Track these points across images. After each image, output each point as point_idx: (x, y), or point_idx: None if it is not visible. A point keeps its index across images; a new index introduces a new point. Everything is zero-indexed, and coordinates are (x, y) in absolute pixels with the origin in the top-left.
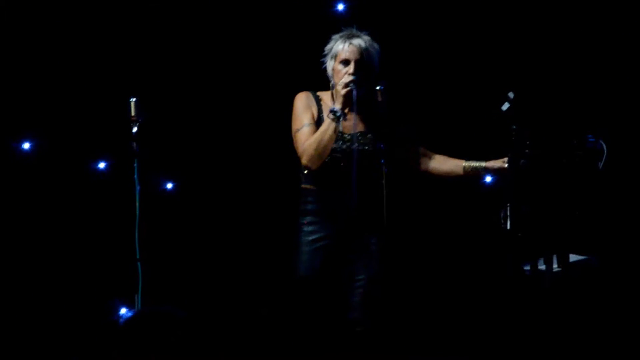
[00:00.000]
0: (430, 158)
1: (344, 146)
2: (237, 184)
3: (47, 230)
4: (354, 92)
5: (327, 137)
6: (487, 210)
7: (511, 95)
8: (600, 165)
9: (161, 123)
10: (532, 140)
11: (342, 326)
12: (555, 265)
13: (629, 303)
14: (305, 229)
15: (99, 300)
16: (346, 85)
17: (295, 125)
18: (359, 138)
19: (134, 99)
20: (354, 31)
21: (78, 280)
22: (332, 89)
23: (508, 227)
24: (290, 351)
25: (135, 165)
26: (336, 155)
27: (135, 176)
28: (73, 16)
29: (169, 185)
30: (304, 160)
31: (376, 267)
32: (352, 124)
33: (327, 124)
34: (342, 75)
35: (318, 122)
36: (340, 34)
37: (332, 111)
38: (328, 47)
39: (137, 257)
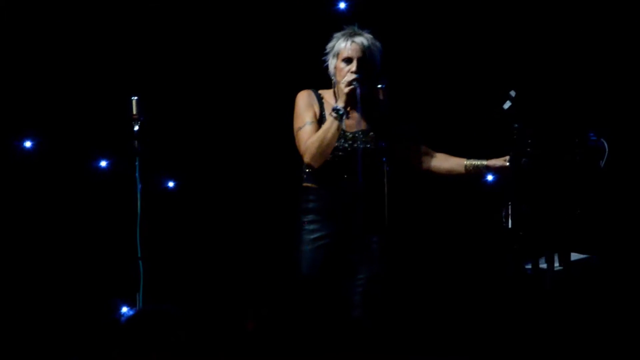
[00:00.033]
0: (431, 156)
1: (346, 144)
2: (239, 183)
3: (48, 230)
4: (358, 90)
5: (329, 135)
6: (489, 209)
7: (513, 93)
8: (602, 163)
9: (163, 122)
10: (534, 139)
11: (343, 325)
12: (556, 264)
13: (630, 302)
14: (307, 227)
15: (100, 299)
16: (349, 83)
17: (297, 123)
18: (361, 136)
19: (136, 98)
20: (356, 29)
21: (79, 279)
22: (334, 87)
23: (509, 225)
24: (291, 350)
25: (136, 163)
26: (338, 153)
27: (137, 175)
28: (74, 15)
29: (171, 184)
30: (306, 159)
31: (377, 266)
32: (354, 122)
33: (330, 122)
34: (344, 74)
35: (320, 121)
36: (342, 32)
37: (335, 109)
38: (330, 45)
39: (139, 255)
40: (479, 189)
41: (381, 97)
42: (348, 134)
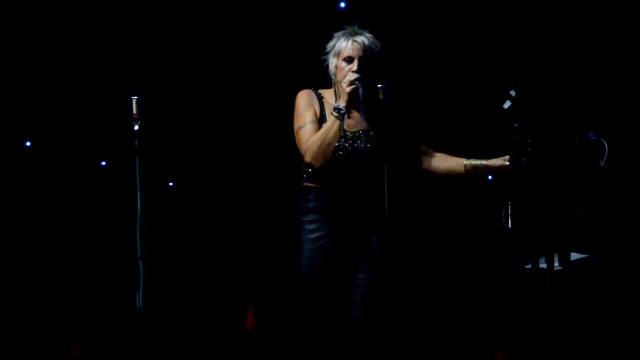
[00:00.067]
0: (431, 156)
1: (347, 144)
2: (239, 182)
3: (49, 229)
4: (360, 90)
5: (331, 134)
6: (489, 208)
7: (513, 93)
8: (602, 163)
9: (163, 121)
10: (534, 139)
11: (343, 325)
12: (556, 264)
13: (630, 302)
14: (307, 227)
15: (100, 299)
16: (351, 82)
17: (297, 123)
18: (362, 136)
19: (136, 98)
20: (356, 29)
21: (79, 279)
22: (334, 86)
23: (509, 225)
24: (291, 350)
25: (136, 163)
26: (338, 153)
27: (137, 174)
28: (74, 15)
29: (170, 184)
30: (307, 158)
31: (378, 266)
32: (354, 121)
33: (332, 122)
34: (345, 73)
35: (320, 120)
36: (343, 32)
37: (337, 109)
38: (330, 44)
39: (139, 255)
40: (479, 189)
41: (381, 96)
42: (348, 133)
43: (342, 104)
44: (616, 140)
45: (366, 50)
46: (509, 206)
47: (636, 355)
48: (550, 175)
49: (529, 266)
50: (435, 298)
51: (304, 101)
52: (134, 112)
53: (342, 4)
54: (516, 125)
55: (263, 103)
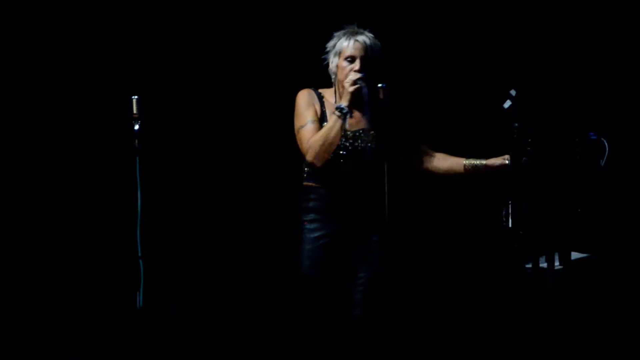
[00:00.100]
0: (431, 156)
1: (347, 143)
2: (239, 182)
3: (49, 229)
4: (364, 90)
5: (333, 134)
6: (489, 208)
7: (513, 92)
8: (602, 162)
9: (163, 121)
10: (534, 138)
11: (343, 324)
12: (557, 264)
13: (630, 301)
14: (308, 226)
15: (101, 299)
16: (354, 82)
17: (298, 122)
18: (362, 135)
19: (136, 97)
20: (357, 28)
21: (79, 279)
22: (334, 85)
23: (510, 225)
24: (292, 350)
25: (137, 163)
26: (339, 152)
27: (137, 174)
28: (75, 15)
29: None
30: (309, 157)
31: (378, 265)
32: (355, 121)
33: (334, 121)
34: (347, 72)
35: (321, 119)
36: (343, 31)
37: (339, 108)
38: (331, 44)
39: (139, 254)
40: (479, 188)
41: (382, 96)
42: (349, 133)
43: (344, 103)
44: (616, 139)
45: (368, 50)
46: (510, 205)
47: (636, 355)
48: (550, 175)
49: (530, 265)
50: (435, 298)
51: (305, 100)
52: (135, 111)
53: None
54: (516, 124)
55: (263, 102)
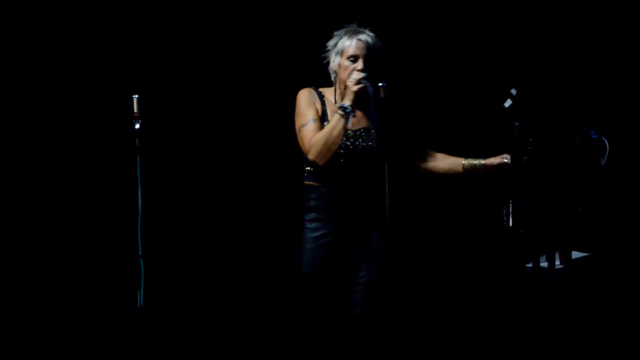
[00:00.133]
0: (430, 156)
1: (348, 142)
2: (239, 181)
3: (49, 228)
4: (369, 89)
5: (335, 133)
6: (490, 207)
7: (514, 92)
8: (603, 162)
9: (164, 120)
10: (535, 137)
11: (344, 324)
12: (557, 263)
13: (631, 300)
14: (308, 225)
15: (101, 298)
16: (358, 81)
17: (300, 121)
18: (363, 134)
19: (137, 96)
20: (358, 27)
21: (80, 278)
22: (335, 84)
23: (510, 224)
24: (292, 350)
25: (137, 162)
26: (339, 151)
27: (138, 173)
28: (75, 14)
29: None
30: (311, 156)
31: (379, 265)
32: (355, 120)
33: (337, 120)
34: (350, 72)
35: (322, 118)
36: (345, 30)
37: (342, 107)
38: (332, 42)
39: (140, 254)
40: (479, 188)
41: (382, 95)
42: (350, 132)
43: (347, 102)
44: (617, 138)
45: (370, 49)
46: (510, 204)
47: (636, 355)
48: (551, 174)
49: (530, 265)
50: (435, 297)
51: (305, 99)
52: (135, 110)
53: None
54: (517, 123)
55: (264, 102)
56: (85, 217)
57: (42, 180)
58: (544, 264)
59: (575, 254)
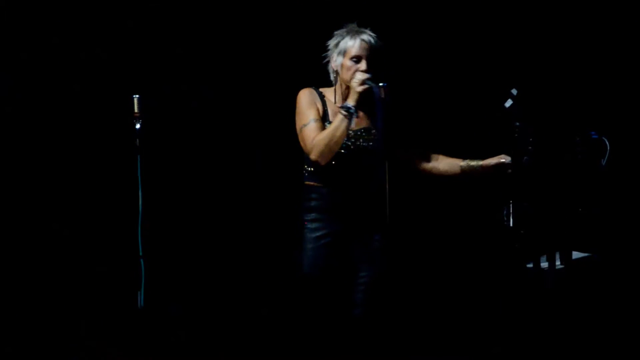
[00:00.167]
0: (429, 156)
1: (349, 142)
2: (240, 181)
3: (50, 228)
4: (376, 90)
5: (339, 133)
6: (490, 207)
7: (514, 92)
8: (603, 162)
9: (164, 120)
10: (535, 137)
11: (344, 324)
12: (558, 263)
13: (631, 301)
14: (309, 225)
15: (101, 298)
16: (362, 82)
17: (301, 120)
18: (363, 134)
19: (137, 96)
20: (359, 27)
21: (80, 278)
22: (335, 84)
23: (511, 224)
24: (292, 350)
25: (138, 162)
26: (340, 151)
27: (138, 173)
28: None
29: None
30: (313, 156)
31: (379, 265)
32: (357, 120)
33: (340, 120)
34: (353, 72)
35: (323, 118)
36: (346, 30)
37: (346, 107)
38: (333, 42)
39: (140, 254)
40: (480, 188)
41: (383, 95)
42: (350, 132)
43: (351, 102)
44: (618, 138)
45: (373, 50)
46: (511, 205)
47: (636, 355)
48: (551, 174)
49: (531, 265)
50: (435, 297)
51: (306, 99)
52: (136, 110)
53: None
54: (517, 123)
55: (264, 102)
56: (85, 216)
57: (42, 180)
58: (544, 264)
59: (576, 254)
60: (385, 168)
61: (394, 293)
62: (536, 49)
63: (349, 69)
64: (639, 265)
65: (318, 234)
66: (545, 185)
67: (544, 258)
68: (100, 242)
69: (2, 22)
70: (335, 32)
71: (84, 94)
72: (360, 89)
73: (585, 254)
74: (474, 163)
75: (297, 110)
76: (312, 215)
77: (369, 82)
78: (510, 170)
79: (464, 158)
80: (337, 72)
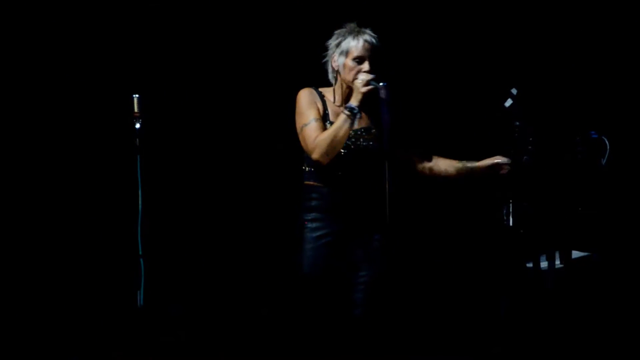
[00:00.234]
0: (427, 157)
1: (349, 142)
2: (240, 181)
3: (49, 228)
4: (383, 91)
5: (342, 133)
6: (490, 206)
7: (514, 91)
8: (603, 161)
9: (164, 119)
10: (535, 137)
11: (345, 324)
12: (557, 262)
13: (631, 300)
14: (309, 225)
15: (101, 298)
16: (367, 83)
17: (301, 120)
18: (363, 134)
19: (137, 96)
20: (359, 27)
21: (80, 277)
22: (334, 83)
23: (510, 223)
24: (292, 350)
25: (137, 161)
26: (341, 151)
27: (138, 172)
28: (76, 13)
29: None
30: (315, 155)
31: (379, 265)
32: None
33: (343, 120)
34: (355, 72)
35: (323, 118)
36: (347, 30)
37: (350, 108)
38: (334, 42)
39: (140, 253)
40: (480, 187)
41: (383, 95)
42: (350, 132)
43: (354, 103)
44: (617, 138)
45: (375, 50)
46: (510, 204)
47: (636, 355)
48: (551, 174)
49: (530, 264)
50: (435, 297)
51: (306, 99)
52: (136, 110)
53: None
54: (517, 123)
55: (264, 101)
56: (85, 216)
57: (42, 179)
58: (544, 264)
59: (575, 254)
60: (385, 168)
61: (394, 293)
62: (536, 49)
63: (351, 69)
64: (639, 264)
65: (318, 233)
66: (545, 185)
67: (543, 257)
68: (99, 241)
69: (2, 21)
70: (336, 32)
71: (84, 93)
72: (365, 89)
73: (585, 254)
74: (469, 164)
75: (297, 110)
76: (312, 215)
77: (374, 83)
78: (503, 172)
79: (461, 159)
80: (337, 72)
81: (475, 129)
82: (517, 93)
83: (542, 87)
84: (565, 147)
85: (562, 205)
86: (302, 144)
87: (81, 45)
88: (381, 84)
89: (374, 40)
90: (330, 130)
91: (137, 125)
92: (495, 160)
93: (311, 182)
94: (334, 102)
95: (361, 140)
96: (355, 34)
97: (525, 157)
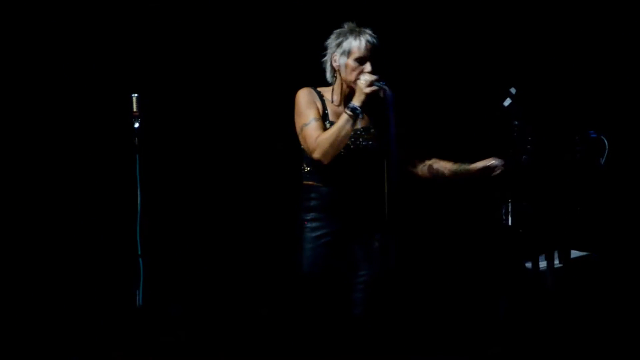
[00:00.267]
0: (423, 158)
1: (349, 141)
2: (239, 181)
3: (48, 228)
4: (388, 92)
5: (344, 133)
6: (489, 206)
7: (513, 91)
8: (602, 161)
9: (163, 119)
10: (534, 136)
11: (344, 323)
12: (556, 262)
13: (630, 299)
14: (309, 225)
15: (100, 297)
16: (371, 83)
17: (301, 120)
18: (363, 134)
19: (136, 95)
20: (359, 27)
21: (79, 277)
22: (334, 83)
23: (509, 223)
24: (292, 350)
25: (136, 161)
26: (340, 151)
27: (137, 172)
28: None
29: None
30: (316, 155)
31: (379, 264)
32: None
33: (345, 120)
34: (357, 73)
35: (323, 118)
36: (348, 30)
37: (352, 108)
38: (334, 42)
39: (139, 253)
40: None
41: (382, 95)
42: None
43: (357, 103)
44: (616, 137)
45: (376, 51)
46: (509, 204)
47: (636, 354)
48: (550, 173)
49: (529, 264)
50: (435, 297)
51: (306, 99)
52: (134, 109)
53: None
54: (516, 122)
55: (264, 101)
56: (84, 216)
57: (41, 179)
58: (543, 263)
59: (575, 253)
60: (384, 167)
61: (394, 292)
62: (535, 49)
63: (353, 69)
64: (638, 264)
65: (317, 233)
66: (544, 184)
67: (542, 257)
68: (99, 241)
69: (2, 21)
70: (335, 31)
71: (83, 92)
72: (368, 90)
73: (584, 253)
74: (464, 166)
75: (297, 110)
76: (312, 215)
77: (378, 84)
78: (496, 173)
79: (459, 159)
80: (337, 72)
81: (474, 128)
82: (516, 92)
83: (541, 87)
84: (564, 146)
85: (561, 205)
86: (303, 143)
87: (80, 45)
88: (382, 83)
89: (375, 41)
90: (332, 130)
91: (136, 125)
92: (489, 163)
93: (310, 182)
94: (333, 102)
95: (361, 140)
96: (357, 34)
97: (524, 157)
